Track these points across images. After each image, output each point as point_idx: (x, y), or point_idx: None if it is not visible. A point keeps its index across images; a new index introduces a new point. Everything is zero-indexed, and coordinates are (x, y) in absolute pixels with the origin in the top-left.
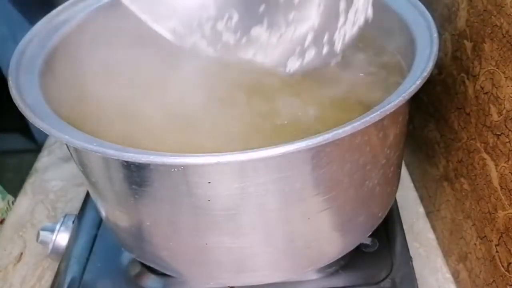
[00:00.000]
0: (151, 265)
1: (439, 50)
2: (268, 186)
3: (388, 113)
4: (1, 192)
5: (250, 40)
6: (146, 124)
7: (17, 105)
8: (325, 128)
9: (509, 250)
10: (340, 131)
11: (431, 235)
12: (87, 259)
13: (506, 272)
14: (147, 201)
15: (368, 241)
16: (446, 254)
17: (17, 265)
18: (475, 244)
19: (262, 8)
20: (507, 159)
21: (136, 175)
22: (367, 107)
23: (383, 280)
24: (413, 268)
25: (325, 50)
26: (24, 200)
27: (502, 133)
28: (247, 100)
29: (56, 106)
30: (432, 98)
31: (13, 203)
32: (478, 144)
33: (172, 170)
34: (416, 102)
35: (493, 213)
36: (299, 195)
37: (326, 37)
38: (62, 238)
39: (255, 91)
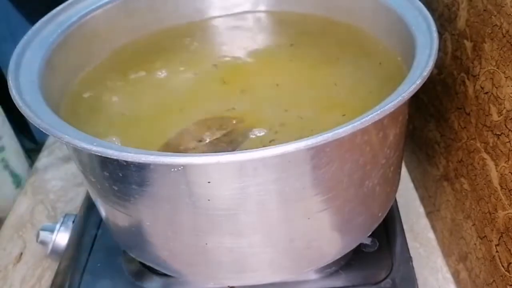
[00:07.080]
0: (151, 265)
1: (439, 50)
2: (268, 186)
3: (388, 113)
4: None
5: None
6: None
7: (16, 105)
8: (322, 129)
9: (509, 250)
10: (340, 130)
11: (431, 235)
12: (87, 259)
13: (506, 272)
14: (147, 201)
15: (368, 241)
16: (446, 254)
17: (17, 265)
18: (475, 244)
19: None
20: (507, 159)
21: (136, 175)
22: (366, 107)
23: (383, 280)
24: (413, 268)
25: None
26: (24, 200)
27: (502, 133)
28: None
29: (55, 106)
30: (432, 98)
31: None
32: (478, 144)
33: (172, 170)
34: (416, 102)
35: (493, 213)
36: (299, 195)
37: None
38: (62, 238)
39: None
